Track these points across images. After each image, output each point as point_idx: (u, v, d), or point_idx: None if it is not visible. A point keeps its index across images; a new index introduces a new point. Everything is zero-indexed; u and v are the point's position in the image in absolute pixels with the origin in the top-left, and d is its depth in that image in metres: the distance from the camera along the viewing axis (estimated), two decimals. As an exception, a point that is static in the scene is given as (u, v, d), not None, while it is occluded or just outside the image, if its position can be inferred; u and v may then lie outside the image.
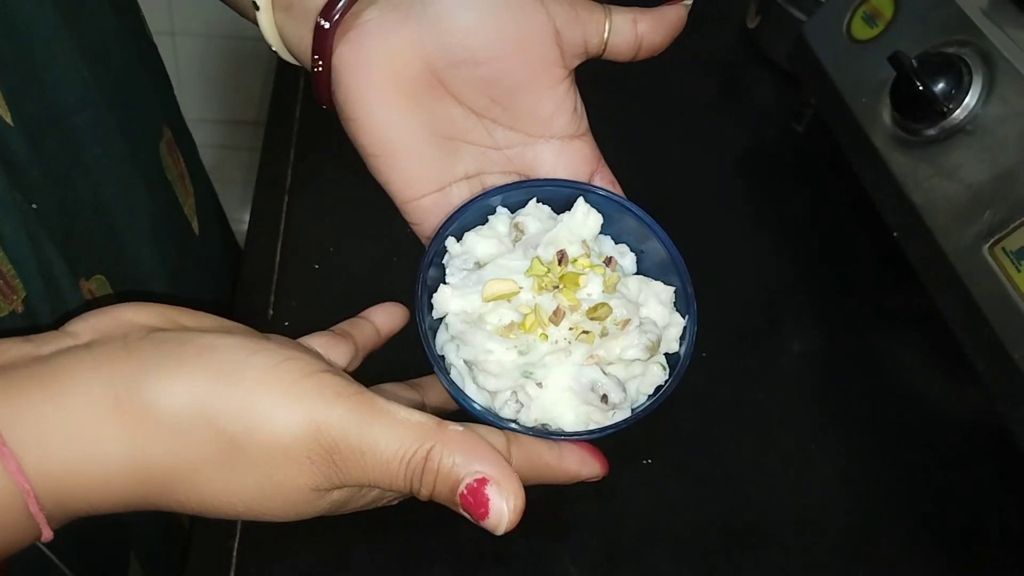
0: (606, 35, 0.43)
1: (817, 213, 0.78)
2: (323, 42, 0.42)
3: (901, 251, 0.62)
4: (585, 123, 0.47)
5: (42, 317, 0.47)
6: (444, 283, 0.44)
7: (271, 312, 0.68)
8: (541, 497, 0.40)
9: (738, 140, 0.83)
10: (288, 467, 0.35)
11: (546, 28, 0.42)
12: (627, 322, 0.42)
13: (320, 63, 0.42)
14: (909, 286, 0.64)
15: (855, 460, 0.63)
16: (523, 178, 0.48)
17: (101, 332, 0.37)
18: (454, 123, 0.44)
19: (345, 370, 0.46)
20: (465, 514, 0.36)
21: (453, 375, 0.44)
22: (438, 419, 0.37)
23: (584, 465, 0.42)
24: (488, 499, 0.35)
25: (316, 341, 0.46)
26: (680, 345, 0.45)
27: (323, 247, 0.72)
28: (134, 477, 0.35)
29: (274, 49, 0.47)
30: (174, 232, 0.64)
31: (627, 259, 0.48)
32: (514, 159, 0.46)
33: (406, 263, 0.63)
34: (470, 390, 0.43)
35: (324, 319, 0.70)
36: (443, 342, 0.44)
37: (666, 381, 0.44)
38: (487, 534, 0.36)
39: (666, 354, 0.45)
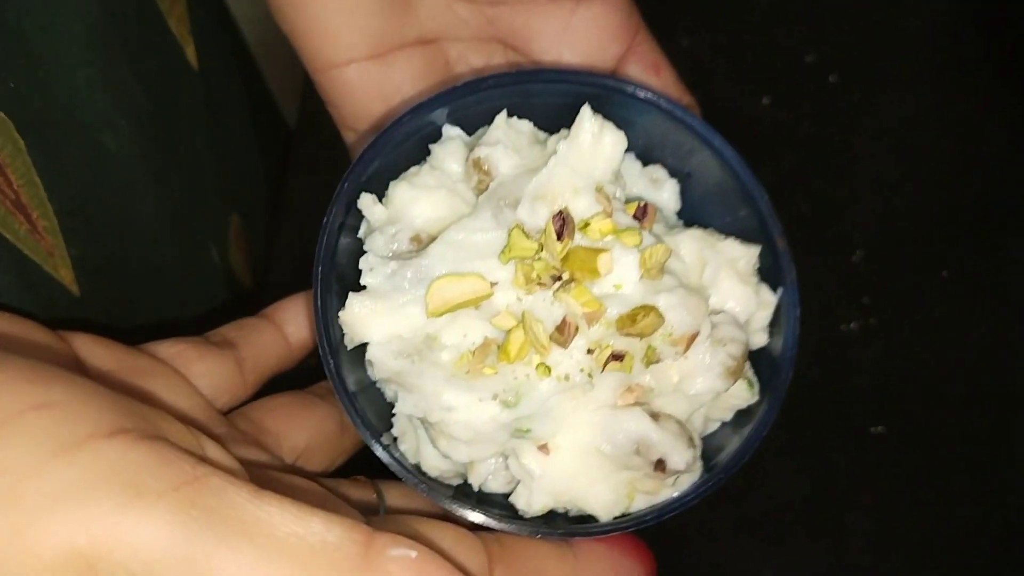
0: None
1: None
2: None
3: None
4: None
5: None
6: (358, 286, 0.25)
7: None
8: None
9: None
10: None
11: None
12: (692, 338, 0.23)
13: None
14: None
15: None
16: (512, 55, 0.31)
17: None
18: None
19: (222, 410, 0.28)
20: None
21: (399, 423, 0.26)
22: (366, 532, 0.19)
23: (618, 573, 0.25)
24: None
25: (170, 351, 0.28)
26: (772, 336, 0.27)
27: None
28: None
29: None
30: (147, 57, 0.39)
31: (665, 191, 0.29)
32: (497, 22, 0.31)
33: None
34: (427, 455, 0.25)
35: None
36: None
37: (757, 402, 0.26)
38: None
39: (751, 353, 0.27)
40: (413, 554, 0.19)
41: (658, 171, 0.29)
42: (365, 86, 0.30)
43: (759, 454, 0.26)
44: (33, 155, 0.30)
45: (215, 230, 0.45)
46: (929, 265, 0.46)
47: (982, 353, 0.44)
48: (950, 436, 0.42)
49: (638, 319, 0.23)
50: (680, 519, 0.25)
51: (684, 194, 0.29)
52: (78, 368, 0.25)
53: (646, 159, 0.29)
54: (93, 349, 0.26)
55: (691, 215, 0.29)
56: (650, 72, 0.31)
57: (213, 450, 0.21)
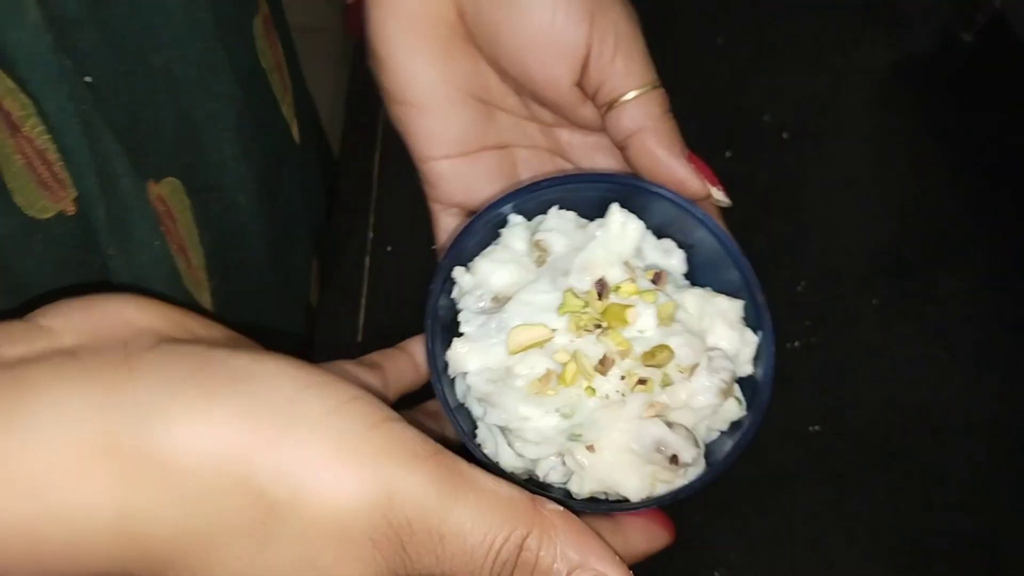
0: (626, 97, 0.36)
1: (991, 144, 0.61)
2: None
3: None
4: None
5: (97, 223, 0.36)
6: (458, 333, 0.35)
7: (371, 235, 0.58)
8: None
9: (886, 55, 0.65)
10: (342, 550, 0.26)
11: (578, 48, 0.35)
12: (694, 367, 0.33)
13: None
14: None
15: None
16: (560, 161, 0.41)
17: (91, 334, 0.28)
18: (488, 86, 0.39)
19: None
20: None
21: (482, 432, 0.36)
22: (530, 495, 0.29)
23: (651, 539, 0.34)
24: None
25: (341, 368, 0.36)
26: (755, 367, 0.36)
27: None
28: (123, 545, 0.26)
29: None
30: (268, 135, 0.49)
31: (675, 259, 0.39)
32: (552, 137, 0.41)
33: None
34: (505, 455, 0.35)
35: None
36: (464, 391, 0.36)
37: (744, 416, 0.36)
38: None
39: (739, 379, 0.36)
40: (561, 509, 0.29)
41: (669, 244, 0.39)
42: (454, 176, 0.39)
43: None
44: (195, 211, 0.40)
45: (304, 269, 0.57)
46: (862, 294, 0.56)
47: (901, 368, 0.54)
48: (872, 433, 0.53)
49: (656, 354, 0.33)
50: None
51: (689, 260, 0.39)
52: None
53: (660, 234, 0.39)
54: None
55: (695, 276, 0.39)
56: None
57: (432, 441, 0.29)
